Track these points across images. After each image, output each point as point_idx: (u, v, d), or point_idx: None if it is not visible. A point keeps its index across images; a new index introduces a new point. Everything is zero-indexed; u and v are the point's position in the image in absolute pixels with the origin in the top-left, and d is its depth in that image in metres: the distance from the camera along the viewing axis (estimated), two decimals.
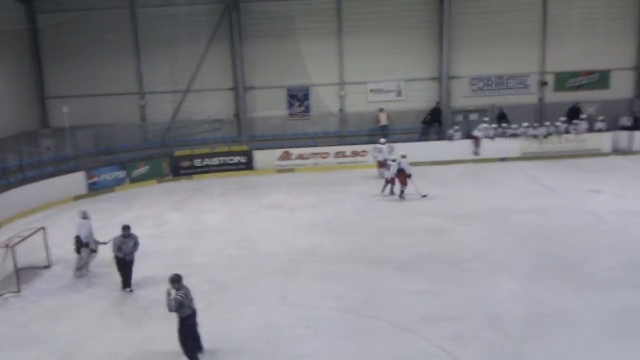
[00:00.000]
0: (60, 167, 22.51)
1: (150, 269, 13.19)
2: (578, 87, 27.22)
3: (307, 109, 27.31)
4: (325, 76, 26.94)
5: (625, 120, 26.08)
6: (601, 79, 27.16)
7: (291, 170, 25.14)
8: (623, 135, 25.42)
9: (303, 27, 26.27)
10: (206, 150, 25.34)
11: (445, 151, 25.18)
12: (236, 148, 25.75)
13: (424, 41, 26.65)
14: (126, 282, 12.14)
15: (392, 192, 19.57)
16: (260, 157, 25.40)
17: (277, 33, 26.21)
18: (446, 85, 26.70)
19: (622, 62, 26.98)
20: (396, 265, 12.76)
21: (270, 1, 26.18)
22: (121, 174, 23.38)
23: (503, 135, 25.43)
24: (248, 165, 25.32)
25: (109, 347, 9.65)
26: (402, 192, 19.13)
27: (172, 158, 25.01)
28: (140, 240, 12.25)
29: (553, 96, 27.16)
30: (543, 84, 27.12)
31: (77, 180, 21.83)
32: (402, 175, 19.07)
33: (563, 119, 25.59)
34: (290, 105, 27.27)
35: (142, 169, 24.03)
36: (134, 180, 23.62)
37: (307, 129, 27.01)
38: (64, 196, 20.94)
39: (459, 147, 25.15)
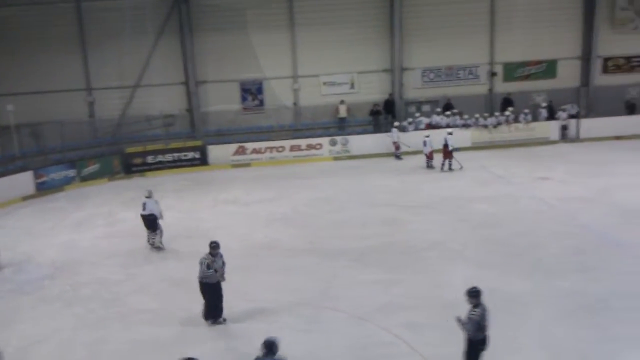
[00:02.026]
0: (7, 167, 21.77)
1: (103, 269, 12.98)
2: (527, 77, 27.91)
3: (261, 103, 27.17)
4: (279, 69, 26.83)
5: (570, 108, 26.84)
6: (548, 68, 27.91)
7: (247, 165, 24.98)
8: (572, 123, 26.15)
9: (255, 20, 26.07)
10: (159, 146, 24.93)
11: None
12: (190, 143, 25.41)
13: (376, 33, 26.83)
14: (215, 311, 9.97)
15: (430, 166, 22.08)
16: (215, 152, 25.13)
17: (229, 26, 25.92)
18: (399, 77, 26.97)
19: (568, 52, 27.77)
20: (352, 257, 12.86)
21: None
22: (71, 172, 22.79)
23: (454, 125, 25.81)
24: (202, 161, 25.02)
25: (62, 349, 9.44)
26: (450, 165, 21.43)
27: (124, 155, 24.50)
28: (93, 241, 12.02)
29: (503, 86, 27.77)
30: (492, 74, 27.70)
31: (25, 180, 21.15)
32: (446, 150, 21.29)
33: (511, 108, 26.17)
34: (244, 99, 27.08)
35: (93, 167, 23.47)
36: (85, 179, 23.06)
37: (262, 123, 26.88)
38: (11, 197, 20.27)
39: (413, 139, 25.37)
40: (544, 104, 26.62)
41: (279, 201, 18.51)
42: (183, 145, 25.18)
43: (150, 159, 24.60)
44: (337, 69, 27.00)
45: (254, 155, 25.16)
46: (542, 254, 12.33)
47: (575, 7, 27.39)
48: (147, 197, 14.24)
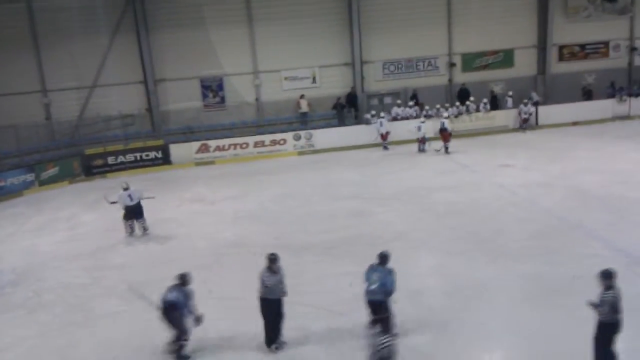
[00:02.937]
0: None
1: (67, 274, 12.69)
2: (485, 67, 28.35)
3: (222, 100, 26.94)
4: (239, 65, 26.65)
5: (535, 96, 27.32)
6: (506, 57, 28.42)
7: (210, 162, 24.75)
8: (528, 108, 26.59)
9: (212, 15, 25.84)
10: (119, 147, 24.48)
11: (363, 135, 25.50)
12: (151, 143, 25.04)
13: (336, 27, 26.87)
14: (274, 334, 8.85)
15: (422, 150, 23.12)
16: (177, 151, 24.80)
17: (186, 22, 25.64)
18: (359, 70, 27.06)
19: (525, 41, 28.35)
20: (320, 251, 12.86)
21: None
22: (29, 176, 22.21)
23: (418, 116, 26.03)
24: (165, 160, 24.68)
25: (28, 357, 9.19)
26: (446, 148, 22.51)
27: (84, 157, 24.00)
28: (55, 245, 11.71)
29: (462, 77, 28.15)
30: (451, 65, 28.05)
31: None
32: (446, 134, 22.39)
33: (472, 98, 26.51)
34: (205, 96, 26.81)
35: (52, 171, 22.92)
36: (44, 183, 22.50)
37: (224, 120, 26.64)
38: None
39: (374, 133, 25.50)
40: (510, 93, 26.98)
41: (244, 198, 18.38)
42: (144, 145, 24.79)
43: (110, 160, 24.16)
44: (298, 63, 26.96)
45: (218, 153, 24.93)
46: (506, 240, 12.53)
47: None
48: (125, 189, 14.76)
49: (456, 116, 26.01)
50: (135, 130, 25.80)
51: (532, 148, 22.26)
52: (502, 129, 26.09)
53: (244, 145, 25.18)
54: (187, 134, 25.91)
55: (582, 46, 28.81)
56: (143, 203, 15.09)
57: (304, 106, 26.69)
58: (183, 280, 8.74)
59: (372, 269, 8.77)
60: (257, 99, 27.16)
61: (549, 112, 26.45)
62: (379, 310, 8.06)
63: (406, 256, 12.04)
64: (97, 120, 25.28)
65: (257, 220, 15.75)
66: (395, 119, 25.87)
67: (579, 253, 11.45)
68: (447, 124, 22.94)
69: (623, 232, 12.35)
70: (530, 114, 26.11)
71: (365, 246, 12.89)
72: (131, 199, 14.73)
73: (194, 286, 9.35)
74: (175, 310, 8.46)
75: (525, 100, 26.33)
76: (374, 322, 6.84)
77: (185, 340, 8.65)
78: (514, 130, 26.01)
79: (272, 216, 16.03)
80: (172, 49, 25.87)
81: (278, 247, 13.22)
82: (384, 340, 6.57)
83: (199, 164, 24.59)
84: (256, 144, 25.27)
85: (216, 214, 16.77)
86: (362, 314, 9.51)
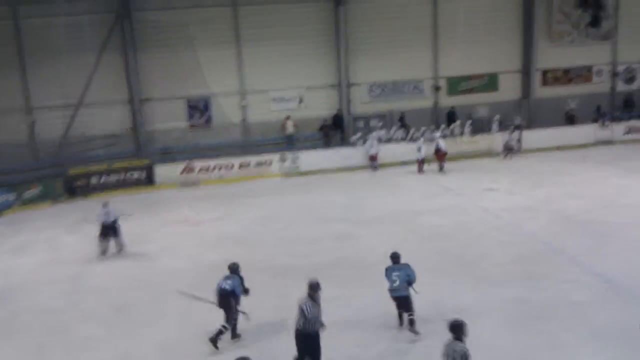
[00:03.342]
0: None
1: (45, 296, 12.50)
2: (470, 91, 28.59)
3: (208, 120, 26.87)
4: (226, 86, 26.63)
5: (517, 120, 27.49)
6: (490, 81, 28.69)
7: (195, 183, 24.55)
8: (514, 134, 26.79)
9: (200, 35, 25.80)
10: (103, 167, 24.23)
11: (349, 157, 25.53)
12: (135, 163, 24.80)
13: (323, 49, 27.00)
14: None
15: (422, 170, 23.49)
16: (162, 171, 24.60)
17: (174, 42, 25.55)
18: (346, 92, 27.20)
19: (509, 65, 28.64)
20: (304, 273, 12.70)
21: (163, 10, 25.40)
22: (11, 196, 21.87)
23: (404, 139, 26.14)
24: (149, 181, 24.44)
25: None
26: (442, 167, 23.38)
27: (67, 177, 23.66)
28: (34, 267, 11.55)
29: (447, 100, 28.36)
30: (437, 88, 28.27)
31: None
32: (440, 154, 23.25)
33: (459, 121, 26.70)
34: (191, 116, 26.71)
35: (34, 191, 22.59)
36: (26, 203, 22.17)
37: (210, 141, 26.49)
38: None
39: (363, 153, 25.58)
40: (496, 117, 27.19)
41: (229, 220, 18.27)
42: (128, 165, 24.54)
43: (94, 180, 23.85)
44: (285, 84, 26.99)
45: (203, 174, 24.78)
46: (490, 264, 12.56)
47: (514, 22, 28.33)
48: (104, 206, 15.21)
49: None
50: (119, 150, 25.58)
51: (516, 172, 22.40)
52: (486, 153, 26.20)
53: (230, 166, 25.07)
54: (172, 154, 25.73)
55: (566, 71, 29.21)
56: (123, 223, 15.27)
57: (290, 127, 26.71)
58: (234, 269, 9.98)
59: (390, 270, 9.88)
60: (243, 120, 27.13)
61: (532, 137, 26.62)
62: (406, 305, 9.56)
63: None
64: (82, 139, 25.02)
65: (241, 242, 15.63)
66: (380, 141, 25.94)
67: (561, 278, 11.50)
68: (442, 144, 23.62)
69: (604, 257, 12.42)
70: (518, 141, 26.10)
71: (349, 269, 12.87)
72: (108, 217, 15.00)
73: (175, 312, 9.28)
74: (230, 296, 9.57)
75: (512, 126, 26.36)
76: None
77: (236, 321, 9.74)
78: (499, 154, 26.14)
79: (256, 238, 15.94)
80: (159, 69, 25.79)
81: (262, 269, 13.24)
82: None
83: (183, 185, 24.37)
84: (241, 165, 25.17)
85: (199, 236, 16.64)
86: (345, 338, 9.46)
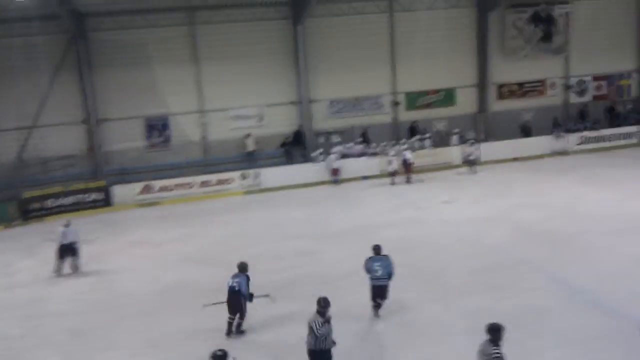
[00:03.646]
0: None
1: (1, 324, 11.99)
2: (428, 105, 29.01)
3: (167, 139, 26.51)
4: (185, 104, 26.38)
5: (470, 134, 28.00)
6: (447, 96, 29.19)
7: (155, 203, 24.15)
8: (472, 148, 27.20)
9: (158, 55, 25.61)
10: (59, 189, 23.57)
11: (311, 173, 25.55)
12: (92, 184, 24.24)
13: (282, 66, 27.05)
14: None
15: (393, 183, 23.86)
16: (120, 192, 24.10)
17: (131, 62, 25.28)
18: (306, 109, 27.24)
19: (465, 80, 29.22)
20: (268, 291, 12.56)
21: (119, 30, 25.13)
22: None
23: (364, 154, 26.32)
24: (106, 202, 23.89)
25: None
26: (409, 178, 24.02)
27: (21, 200, 22.95)
28: None
29: (406, 115, 28.69)
30: (396, 104, 28.59)
31: None
32: (407, 165, 24.03)
33: (418, 136, 27.02)
34: (150, 136, 26.32)
35: None
36: None
37: (169, 160, 26.15)
38: None
39: (324, 169, 25.60)
40: (456, 130, 27.61)
41: (190, 239, 17.97)
42: (85, 186, 23.97)
43: (49, 202, 23.18)
44: (245, 102, 26.92)
45: (162, 193, 24.40)
46: (452, 275, 12.63)
47: (469, 38, 28.95)
48: (65, 227, 15.20)
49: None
50: (76, 171, 25.01)
51: (476, 184, 22.74)
52: (446, 166, 26.55)
53: (190, 185, 24.75)
54: (130, 175, 25.26)
55: (520, 84, 29.94)
56: (81, 244, 15.28)
57: (251, 145, 26.58)
58: (243, 268, 10.63)
59: (372, 260, 10.65)
60: (203, 138, 26.87)
61: (490, 149, 27.14)
62: (384, 293, 10.48)
63: (354, 294, 11.94)
64: (37, 161, 24.39)
65: (203, 262, 15.36)
66: (346, 155, 26.05)
67: (522, 287, 11.62)
68: (409, 156, 24.26)
69: (564, 265, 12.64)
70: (477, 154, 26.21)
71: (313, 286, 12.72)
72: (65, 238, 15.00)
73: (133, 333, 9.00)
74: (239, 294, 10.29)
75: (472, 140, 26.71)
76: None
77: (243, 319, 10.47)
78: (458, 166, 26.49)
79: (218, 257, 15.64)
80: (116, 88, 25.40)
81: (225, 289, 12.93)
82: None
83: (142, 205, 23.93)
84: (202, 184, 24.88)
85: (160, 257, 16.32)
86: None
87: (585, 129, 28.54)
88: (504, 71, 29.36)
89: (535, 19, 29.25)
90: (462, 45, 28.92)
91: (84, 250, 17.31)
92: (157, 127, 26.44)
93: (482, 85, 29.25)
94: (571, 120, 29.52)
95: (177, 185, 24.61)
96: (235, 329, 10.44)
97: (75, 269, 15.19)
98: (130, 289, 13.65)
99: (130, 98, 25.58)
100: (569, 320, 9.89)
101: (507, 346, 7.33)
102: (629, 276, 11.69)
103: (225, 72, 26.32)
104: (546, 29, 29.40)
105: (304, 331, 10.15)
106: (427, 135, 27.25)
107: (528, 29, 29.26)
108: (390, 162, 24.44)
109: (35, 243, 19.32)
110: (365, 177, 25.60)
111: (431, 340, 9.60)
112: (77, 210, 23.24)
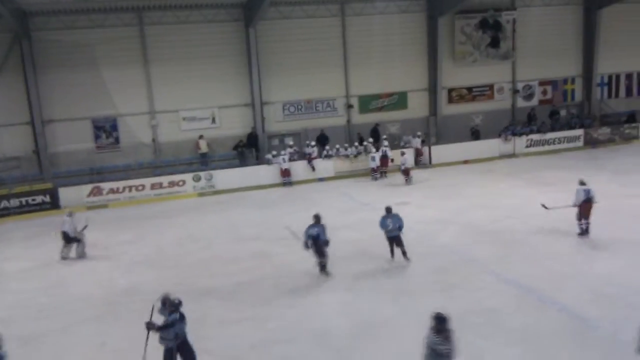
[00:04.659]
0: None
1: None
2: (381, 109, 29.35)
3: (116, 141, 25.94)
4: (134, 106, 25.90)
5: (412, 140, 28.09)
6: (400, 100, 29.61)
7: (104, 206, 23.59)
8: (416, 143, 27.67)
9: (105, 55, 25.06)
10: (3, 191, 22.77)
11: (265, 175, 25.46)
12: (38, 187, 23.47)
13: (235, 68, 26.88)
14: None
15: (375, 178, 25.37)
16: (67, 194, 23.40)
17: (77, 62, 24.68)
18: (260, 111, 27.12)
19: (417, 84, 29.74)
20: (223, 294, 12.49)
21: (65, 29, 24.48)
22: None
23: (321, 156, 26.43)
24: (53, 205, 23.15)
25: None
26: (384, 172, 25.57)
27: None
28: None
29: (359, 118, 28.96)
30: (349, 106, 28.81)
31: None
32: (386, 160, 25.46)
33: (371, 140, 27.28)
34: (98, 137, 25.70)
35: None
36: None
37: (119, 162, 25.62)
38: None
39: (277, 171, 25.54)
40: (419, 133, 27.99)
41: (141, 242, 17.62)
42: (30, 189, 23.20)
43: None
44: (197, 104, 26.63)
45: (112, 196, 23.85)
46: (407, 276, 12.79)
47: (421, 43, 29.46)
48: (68, 216, 16.47)
49: (355, 156, 26.58)
50: (21, 173, 24.19)
51: (427, 186, 23.11)
52: (398, 169, 26.81)
53: (140, 187, 24.26)
54: (78, 177, 24.57)
55: (469, 89, 30.65)
56: (85, 234, 16.51)
57: (204, 147, 26.29)
58: (318, 219, 13.04)
59: (385, 218, 13.51)
60: (154, 140, 26.41)
61: (440, 152, 27.68)
62: (399, 241, 13.51)
63: (311, 296, 11.99)
64: None
65: (156, 265, 15.10)
66: (293, 158, 26.05)
67: (473, 286, 11.85)
68: (389, 153, 25.54)
69: (513, 265, 12.97)
70: (410, 163, 25.28)
71: (268, 288, 12.71)
72: (63, 226, 16.23)
73: (85, 339, 8.77)
74: (318, 240, 12.77)
75: (403, 151, 25.77)
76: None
77: (324, 260, 13.06)
78: (412, 168, 26.83)
79: (171, 260, 15.43)
80: (62, 89, 24.71)
81: (179, 292, 12.67)
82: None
83: (91, 207, 23.33)
84: (153, 186, 24.43)
85: (110, 260, 15.93)
86: (265, 359, 9.29)
87: (531, 132, 29.40)
88: (454, 76, 30.01)
89: (483, 25, 30.02)
90: (413, 49, 29.39)
91: (35, 254, 16.92)
92: (105, 129, 25.87)
93: (433, 89, 29.79)
94: (521, 124, 30.36)
95: (127, 187, 24.08)
96: (321, 269, 13.10)
97: (80, 255, 16.22)
98: (81, 293, 13.26)
99: (78, 99, 25.00)
100: (518, 319, 10.14)
101: (459, 346, 7.45)
102: (576, 274, 12.10)
103: (177, 73, 26.01)
104: (494, 35, 30.21)
105: (258, 334, 10.14)
106: (384, 137, 27.60)
107: (476, 34, 30.00)
108: (372, 159, 25.46)
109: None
110: (321, 179, 25.70)
111: (388, 342, 9.68)
112: (24, 212, 22.58)
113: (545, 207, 15.61)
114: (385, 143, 26.23)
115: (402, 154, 25.05)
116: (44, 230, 19.96)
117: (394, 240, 13.52)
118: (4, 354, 8.16)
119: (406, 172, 24.20)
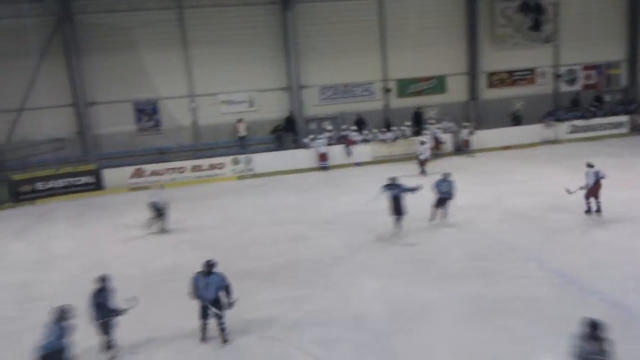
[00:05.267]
0: None
1: None
2: (419, 93, 29.04)
3: (157, 123, 26.35)
4: (174, 89, 26.20)
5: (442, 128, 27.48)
6: (438, 84, 29.22)
7: (146, 187, 23.96)
8: (464, 134, 27.19)
9: (145, 38, 25.37)
10: (49, 172, 23.40)
11: (302, 159, 25.56)
12: (83, 168, 24.06)
13: (273, 52, 26.89)
14: None
15: (424, 173, 22.67)
16: (111, 175, 23.95)
17: (118, 45, 25.06)
18: (297, 95, 27.15)
19: (456, 68, 29.24)
20: (261, 276, 12.67)
21: (106, 13, 24.82)
22: None
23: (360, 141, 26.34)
24: (97, 185, 23.76)
25: None
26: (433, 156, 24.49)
27: (11, 183, 22.78)
28: None
29: (397, 102, 28.71)
30: (387, 90, 28.58)
31: None
32: (438, 143, 26.03)
33: (408, 123, 27.06)
34: (139, 119, 26.16)
35: None
36: None
37: (160, 144, 26.00)
38: None
39: (315, 155, 25.60)
40: (466, 123, 27.34)
41: (183, 223, 17.91)
42: (75, 169, 23.80)
43: (40, 185, 23.02)
44: (236, 87, 26.79)
45: (154, 177, 24.27)
46: (446, 262, 12.74)
47: (459, 26, 28.92)
48: (159, 188, 17.44)
49: (393, 140, 26.41)
50: (66, 154, 24.81)
51: (467, 171, 22.79)
52: (441, 153, 26.56)
53: (182, 170, 24.67)
54: (121, 158, 25.11)
55: (510, 73, 30.04)
56: (169, 209, 17.04)
57: (242, 130, 26.50)
58: (394, 180, 14.63)
59: (441, 181, 15.26)
60: (193, 123, 26.74)
61: (481, 137, 27.22)
62: (444, 204, 15.25)
63: (347, 280, 12.07)
64: (26, 144, 24.14)
65: (197, 246, 15.34)
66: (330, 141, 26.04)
67: (513, 274, 11.76)
68: (441, 135, 26.40)
69: (555, 253, 12.79)
70: (427, 155, 23.73)
71: (306, 271, 12.84)
72: (152, 197, 16.96)
73: (127, 317, 9.06)
74: (399, 199, 14.58)
75: (423, 140, 24.39)
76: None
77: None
78: (451, 154, 26.61)
79: (212, 242, 15.67)
80: (104, 72, 25.16)
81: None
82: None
83: (133, 189, 23.82)
84: (194, 168, 24.81)
85: (153, 241, 16.29)
86: (302, 340, 9.42)
87: (575, 117, 28.71)
88: (494, 59, 29.41)
89: (525, 7, 29.31)
90: (452, 33, 28.91)
91: (79, 234, 17.35)
92: (147, 111, 26.28)
93: (472, 73, 29.29)
94: (565, 109, 29.65)
95: (169, 169, 24.51)
96: (397, 228, 14.54)
97: (161, 230, 16.76)
98: (123, 272, 13.55)
99: (119, 81, 25.38)
100: (560, 308, 10.03)
101: (499, 333, 7.43)
102: (619, 263, 11.87)
103: (215, 56, 26.19)
104: (535, 17, 29.48)
105: (295, 315, 10.28)
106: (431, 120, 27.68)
107: (517, 17, 29.31)
108: (422, 143, 23.55)
109: (25, 225, 19.25)
110: (357, 164, 25.65)
111: (425, 326, 9.71)
112: (69, 193, 23.17)
113: (570, 192, 15.49)
114: (438, 125, 26.80)
115: (422, 143, 23.90)
116: (88, 211, 20.53)
117: (443, 202, 14.93)
118: (67, 326, 8.50)
119: (423, 163, 23.22)
